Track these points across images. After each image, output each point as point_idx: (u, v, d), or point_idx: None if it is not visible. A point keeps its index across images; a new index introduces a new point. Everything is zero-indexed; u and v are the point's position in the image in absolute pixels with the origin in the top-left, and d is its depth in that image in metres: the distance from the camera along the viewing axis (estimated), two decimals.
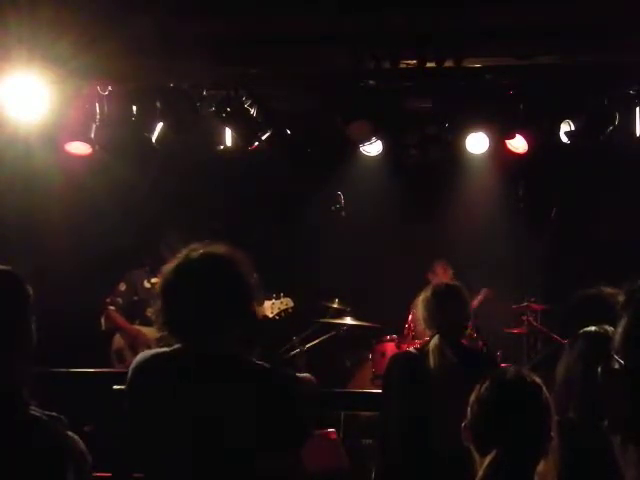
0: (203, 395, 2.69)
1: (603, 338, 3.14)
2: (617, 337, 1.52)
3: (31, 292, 2.28)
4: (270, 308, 6.71)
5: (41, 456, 2.13)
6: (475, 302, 7.44)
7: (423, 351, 4.38)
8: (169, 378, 2.75)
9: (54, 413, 2.19)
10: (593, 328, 3.18)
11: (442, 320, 4.30)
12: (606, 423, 1.49)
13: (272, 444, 2.70)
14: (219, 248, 2.85)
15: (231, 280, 2.80)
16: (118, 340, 6.83)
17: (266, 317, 6.66)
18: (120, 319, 6.80)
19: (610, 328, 3.16)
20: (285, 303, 6.69)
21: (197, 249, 2.83)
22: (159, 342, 7.62)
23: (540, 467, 2.41)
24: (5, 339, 2.22)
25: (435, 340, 4.29)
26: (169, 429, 2.72)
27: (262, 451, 2.68)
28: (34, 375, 2.24)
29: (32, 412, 2.16)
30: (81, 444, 2.22)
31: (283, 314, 6.70)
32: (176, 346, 2.79)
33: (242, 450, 2.67)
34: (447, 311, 4.30)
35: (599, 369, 1.53)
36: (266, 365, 2.77)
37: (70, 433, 2.20)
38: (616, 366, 1.48)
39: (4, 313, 2.24)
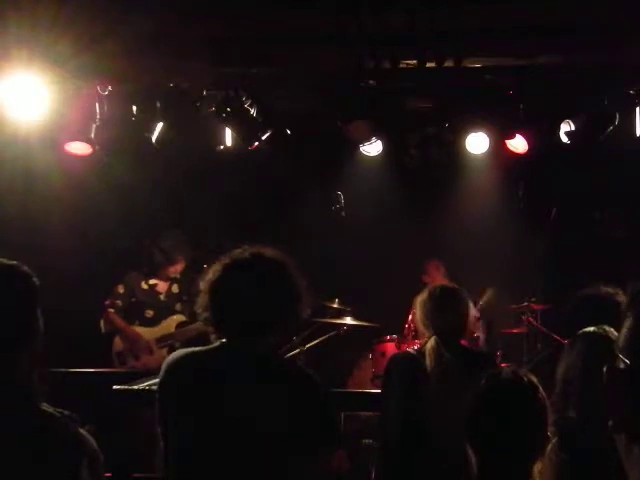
0: (238, 395, 2.70)
1: (602, 338, 3.14)
2: (622, 337, 1.52)
3: (38, 285, 2.28)
4: None
5: (56, 452, 2.13)
6: (482, 303, 7.42)
7: (422, 352, 4.38)
8: (203, 377, 2.76)
9: (66, 411, 2.20)
10: (592, 328, 3.19)
11: (439, 322, 4.30)
12: (611, 423, 1.49)
13: (305, 445, 2.69)
14: (270, 250, 2.86)
15: (282, 282, 2.81)
16: (118, 342, 6.83)
17: None
18: (120, 321, 6.80)
19: (609, 328, 3.16)
20: None
21: (249, 249, 2.85)
22: (159, 343, 7.62)
23: (537, 467, 2.41)
24: (14, 336, 2.21)
25: (431, 342, 4.30)
26: (201, 428, 2.71)
27: (295, 452, 2.67)
28: (46, 372, 2.24)
29: (45, 409, 2.17)
30: (93, 442, 2.23)
31: None
32: (215, 344, 2.80)
33: (274, 451, 2.67)
34: (444, 313, 4.30)
35: (604, 369, 1.52)
36: (300, 367, 2.79)
37: (82, 431, 2.20)
38: (621, 366, 1.48)
39: (12, 310, 2.23)
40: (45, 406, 2.17)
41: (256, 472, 2.69)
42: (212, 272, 2.87)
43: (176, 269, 6.92)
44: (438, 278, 7.26)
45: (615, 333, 3.14)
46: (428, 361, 4.23)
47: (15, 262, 2.29)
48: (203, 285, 2.88)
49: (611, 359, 2.33)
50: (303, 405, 2.70)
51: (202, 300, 2.85)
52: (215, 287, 2.83)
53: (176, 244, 6.88)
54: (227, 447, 2.68)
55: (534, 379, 2.49)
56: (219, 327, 2.82)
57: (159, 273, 6.92)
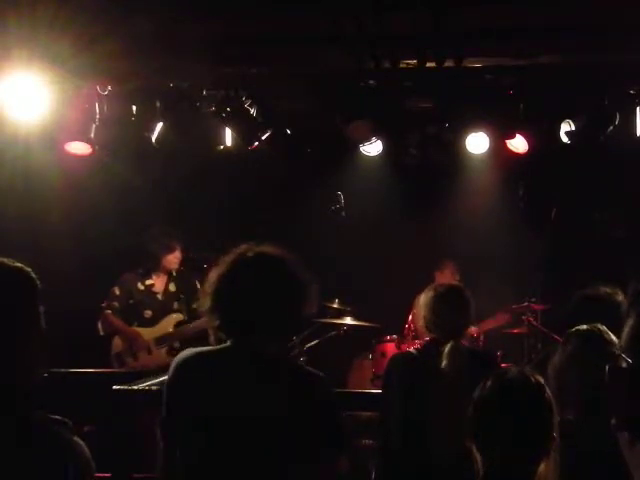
0: (247, 395, 2.69)
1: (595, 337, 3.14)
2: (624, 336, 1.52)
3: (39, 287, 2.27)
4: None
5: (42, 461, 2.10)
6: (490, 324, 7.38)
7: (422, 352, 4.38)
8: (210, 377, 2.75)
9: (59, 417, 2.17)
10: (585, 327, 3.19)
11: (442, 321, 4.30)
12: (614, 422, 1.49)
13: (311, 446, 2.69)
14: (272, 248, 2.85)
15: (287, 280, 2.81)
16: (117, 343, 6.82)
17: None
18: (118, 322, 6.80)
19: (603, 327, 3.16)
20: None
21: (252, 248, 2.83)
22: (158, 342, 7.62)
23: (542, 468, 2.41)
24: (13, 338, 2.20)
25: (434, 342, 4.30)
26: (210, 428, 2.71)
27: (301, 453, 2.67)
28: (44, 375, 2.22)
29: (35, 416, 2.14)
30: (86, 451, 2.20)
31: None
32: (223, 345, 2.79)
33: (282, 451, 2.67)
34: (448, 312, 4.30)
35: (607, 368, 1.52)
36: (308, 367, 2.78)
37: (76, 438, 2.17)
38: (624, 365, 1.48)
39: (10, 310, 2.22)
40: (38, 413, 2.15)
41: (263, 471, 2.68)
42: (217, 271, 2.85)
43: (175, 257, 6.86)
44: (451, 278, 7.21)
45: (609, 332, 3.14)
46: (430, 361, 4.23)
47: (19, 264, 2.28)
48: (208, 284, 2.87)
49: (605, 357, 2.32)
50: (310, 406, 2.69)
51: (207, 299, 2.83)
52: (220, 286, 2.81)
53: (168, 233, 6.88)
54: (235, 447, 2.67)
55: (541, 379, 2.49)
56: (225, 326, 2.81)
57: (158, 266, 6.89)
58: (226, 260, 2.85)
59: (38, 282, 2.26)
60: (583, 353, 3.05)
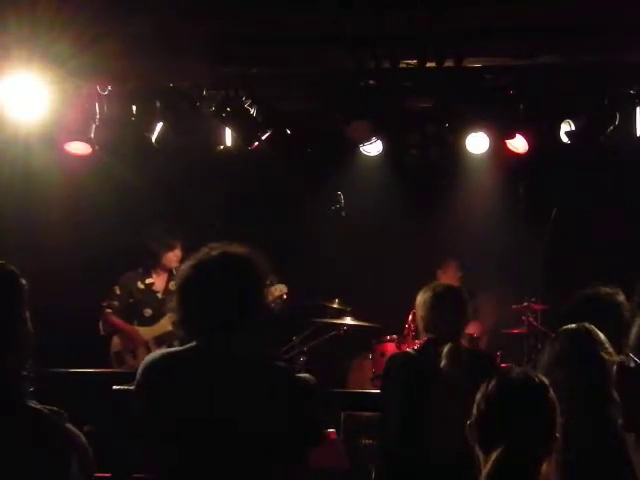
0: (215, 395, 2.69)
1: (582, 335, 3.15)
2: (632, 336, 1.52)
3: (26, 286, 2.26)
4: None
5: (45, 448, 2.12)
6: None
7: (421, 352, 4.38)
8: (180, 378, 2.74)
9: (54, 408, 2.19)
10: (573, 326, 3.20)
11: (441, 321, 4.30)
12: (620, 422, 1.49)
13: (287, 444, 2.69)
14: (238, 248, 2.86)
15: (248, 279, 2.80)
16: (117, 342, 6.83)
17: None
18: (118, 320, 6.81)
19: (591, 326, 3.17)
20: (279, 290, 6.69)
21: (216, 248, 2.84)
22: (157, 341, 7.61)
23: (544, 468, 2.41)
24: (6, 338, 2.20)
25: (432, 342, 4.30)
26: (180, 430, 2.70)
27: (276, 450, 2.67)
28: (32, 372, 2.23)
29: (33, 406, 2.16)
30: (82, 438, 2.21)
31: (278, 300, 6.70)
32: (189, 345, 2.79)
33: (256, 449, 2.66)
34: (446, 312, 4.30)
35: (614, 367, 1.53)
36: (280, 364, 2.77)
37: (70, 426, 2.19)
38: (631, 365, 1.48)
39: (6, 314, 2.22)
40: (33, 403, 2.17)
41: (240, 472, 2.68)
42: (180, 273, 2.85)
43: (175, 255, 6.86)
44: (452, 280, 7.21)
45: (598, 331, 3.14)
46: (429, 361, 4.23)
47: (2, 262, 2.27)
48: (175, 284, 2.88)
49: (591, 356, 2.31)
50: (284, 404, 2.69)
51: (173, 302, 2.83)
52: (184, 288, 2.81)
53: (169, 230, 6.88)
54: (208, 448, 2.66)
55: (544, 379, 2.49)
56: (189, 328, 2.81)
57: (157, 264, 6.89)
58: (189, 262, 2.85)
59: (24, 281, 2.26)
60: (569, 352, 3.06)
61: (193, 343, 2.79)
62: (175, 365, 2.78)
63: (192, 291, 2.80)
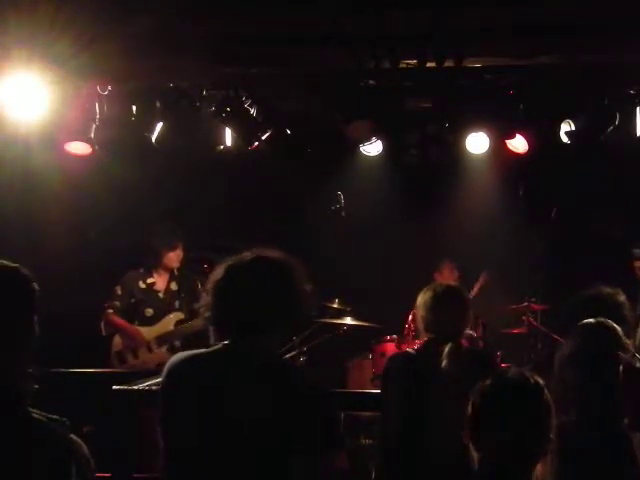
0: (239, 397, 2.70)
1: (601, 331, 3.13)
2: (638, 336, 1.52)
3: (37, 290, 2.27)
4: None
5: (44, 459, 2.10)
6: (475, 289, 7.45)
7: (421, 352, 4.38)
8: (206, 380, 2.77)
9: (56, 416, 2.17)
10: (592, 320, 3.18)
11: (441, 321, 4.30)
12: (627, 421, 1.49)
13: (306, 446, 2.69)
14: (273, 252, 2.91)
15: (283, 283, 2.84)
16: (118, 342, 6.83)
17: None
18: (119, 320, 6.80)
19: (608, 322, 3.15)
20: None
21: (257, 252, 2.91)
22: (159, 341, 7.60)
23: (538, 468, 2.41)
24: (7, 340, 2.20)
25: (432, 342, 4.30)
26: (203, 431, 2.72)
27: (295, 453, 2.68)
28: (36, 376, 2.22)
29: (34, 415, 2.14)
30: (84, 448, 2.20)
31: None
32: (217, 345, 2.82)
33: (275, 452, 2.67)
34: (446, 312, 4.30)
35: (620, 367, 1.52)
36: (299, 367, 2.80)
37: (73, 436, 2.18)
38: (637, 365, 1.48)
39: (7, 313, 2.22)
40: (34, 412, 2.15)
41: (256, 473, 2.69)
42: (216, 273, 2.90)
43: (177, 255, 6.86)
44: (450, 280, 7.22)
45: (616, 327, 3.12)
46: (429, 361, 4.23)
47: (16, 265, 2.28)
48: (208, 285, 2.91)
49: (609, 353, 2.31)
50: (302, 406, 2.70)
51: (206, 300, 2.88)
52: (218, 287, 2.86)
53: (172, 230, 6.89)
54: (228, 449, 2.69)
55: (540, 380, 2.49)
56: (220, 327, 2.86)
57: (158, 263, 6.89)
58: (226, 262, 2.90)
59: (35, 285, 2.27)
60: (587, 349, 3.04)
61: (219, 345, 2.83)
62: (199, 367, 2.81)
63: (224, 292, 2.85)
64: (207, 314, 2.88)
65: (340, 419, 3.17)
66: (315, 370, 4.27)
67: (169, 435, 2.81)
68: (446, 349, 4.22)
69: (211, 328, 2.90)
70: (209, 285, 2.90)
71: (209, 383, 2.76)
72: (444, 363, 4.19)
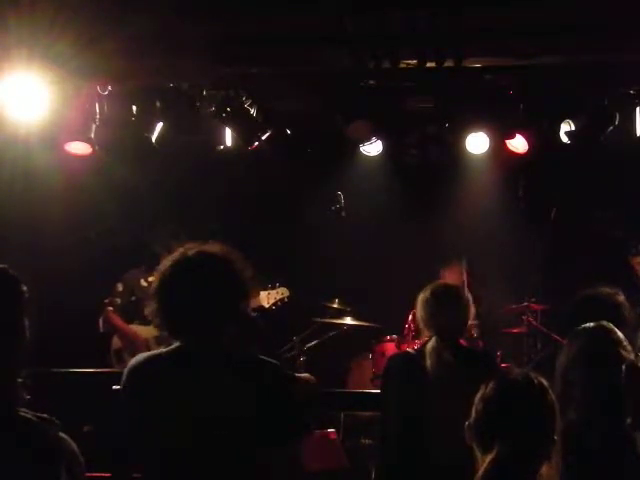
0: (200, 395, 2.70)
1: (602, 334, 3.13)
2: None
3: (26, 291, 2.24)
4: (266, 298, 6.75)
5: (32, 458, 2.09)
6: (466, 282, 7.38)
7: (421, 352, 4.38)
8: (165, 379, 2.76)
9: (45, 415, 2.16)
10: (592, 324, 3.18)
11: (440, 321, 4.30)
12: (629, 421, 1.49)
13: (270, 439, 2.70)
14: (214, 247, 2.85)
15: (226, 279, 2.80)
16: (117, 341, 6.83)
17: (262, 308, 6.67)
18: (117, 320, 6.79)
19: (609, 325, 3.15)
20: (281, 293, 6.70)
21: (193, 248, 2.84)
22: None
23: (543, 469, 2.41)
24: (5, 340, 2.18)
25: (432, 342, 4.30)
26: (168, 430, 2.72)
27: (260, 446, 2.68)
28: (26, 377, 2.21)
29: (22, 414, 2.13)
30: (73, 445, 2.18)
31: (279, 303, 6.71)
32: (172, 346, 2.80)
33: (241, 447, 2.68)
34: (446, 312, 4.30)
35: (623, 367, 1.52)
36: (260, 361, 2.78)
37: (62, 434, 2.16)
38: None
39: (6, 317, 2.19)
40: (23, 411, 2.13)
41: (224, 469, 2.69)
42: (157, 275, 2.85)
43: None
44: (458, 279, 7.18)
45: (617, 330, 3.12)
46: (428, 361, 4.23)
47: (4, 266, 2.25)
48: (150, 291, 2.87)
49: (611, 356, 2.31)
50: (268, 397, 2.70)
51: (152, 306, 2.83)
52: (162, 290, 2.82)
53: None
54: (194, 446, 2.68)
55: (544, 381, 2.49)
56: (172, 330, 2.81)
57: (159, 265, 6.88)
58: (165, 263, 2.84)
59: (24, 287, 2.24)
60: (589, 351, 3.04)
61: (175, 344, 2.80)
62: (154, 368, 2.79)
63: (169, 293, 2.81)
64: (156, 321, 2.83)
65: (311, 412, 3.15)
66: (315, 370, 4.26)
67: (138, 437, 2.80)
68: (444, 350, 4.23)
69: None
70: (153, 288, 2.85)
71: (172, 384, 2.74)
72: (441, 364, 4.19)
